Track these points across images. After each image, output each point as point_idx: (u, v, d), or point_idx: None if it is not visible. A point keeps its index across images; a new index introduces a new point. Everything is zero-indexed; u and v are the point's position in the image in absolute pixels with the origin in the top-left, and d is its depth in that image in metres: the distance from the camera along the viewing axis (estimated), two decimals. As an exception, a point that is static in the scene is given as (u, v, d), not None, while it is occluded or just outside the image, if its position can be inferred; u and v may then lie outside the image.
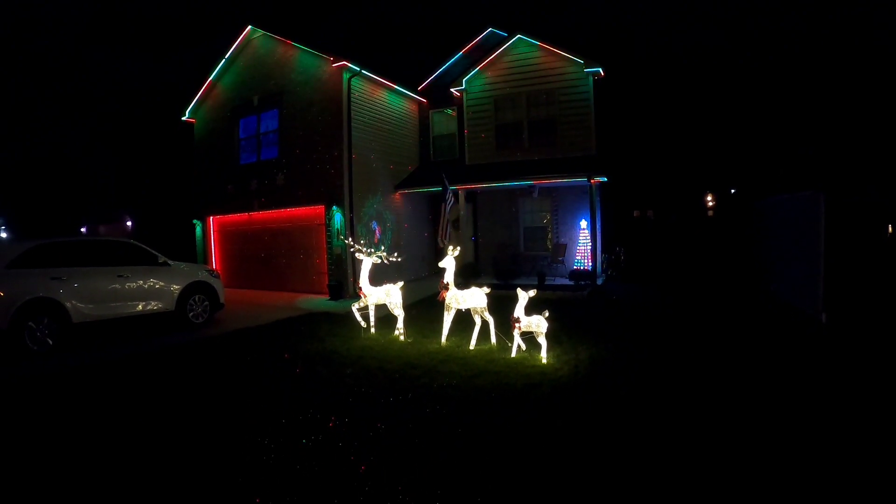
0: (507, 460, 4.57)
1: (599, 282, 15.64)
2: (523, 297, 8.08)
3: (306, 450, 4.78)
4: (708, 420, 5.37)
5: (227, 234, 18.50)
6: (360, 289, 9.92)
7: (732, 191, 30.66)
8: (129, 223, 33.36)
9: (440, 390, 6.45)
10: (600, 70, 16.31)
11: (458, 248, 9.52)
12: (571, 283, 14.96)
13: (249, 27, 16.84)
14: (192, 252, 18.69)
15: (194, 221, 18.79)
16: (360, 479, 4.25)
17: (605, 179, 14.96)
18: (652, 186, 30.13)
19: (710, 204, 31.62)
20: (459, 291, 9.01)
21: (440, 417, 5.55)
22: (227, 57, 17.54)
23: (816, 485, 4.12)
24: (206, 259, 18.37)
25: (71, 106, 35.21)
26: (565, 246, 17.08)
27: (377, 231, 16.27)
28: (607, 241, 18.50)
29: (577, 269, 15.62)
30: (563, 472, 4.35)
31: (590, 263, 15.77)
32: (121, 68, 43.55)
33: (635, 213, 30.72)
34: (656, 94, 31.22)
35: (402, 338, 9.51)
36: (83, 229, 33.10)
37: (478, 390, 6.43)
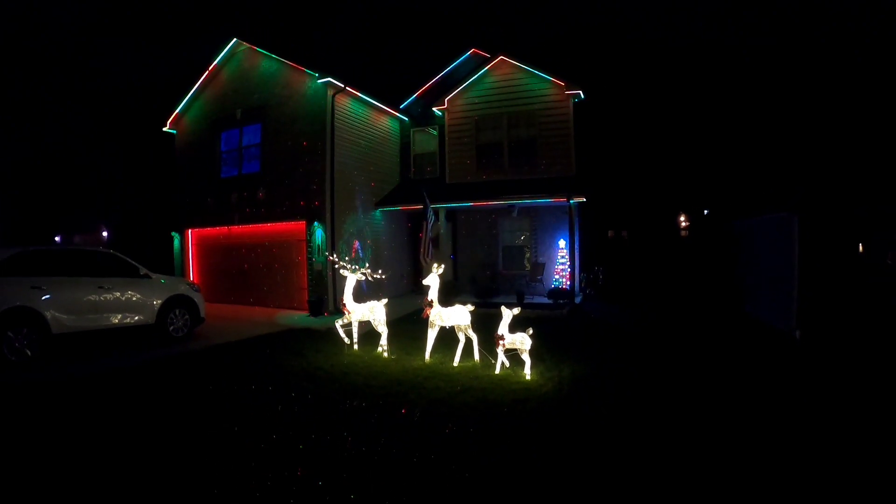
0: (502, 475, 4.66)
1: (578, 301, 15.85)
2: (507, 314, 8.21)
3: (296, 467, 4.81)
4: (685, 435, 5.52)
5: (206, 248, 18.36)
6: (344, 305, 9.97)
7: (706, 212, 31.24)
8: (105, 233, 32.84)
9: (428, 406, 6.53)
10: (581, 93, 16.67)
11: (443, 265, 9.63)
12: (550, 301, 15.14)
13: (234, 40, 16.87)
14: (170, 264, 18.49)
15: (173, 233, 18.61)
16: (353, 496, 4.30)
17: (584, 200, 15.23)
18: (627, 207, 30.62)
19: (684, 224, 32.16)
20: (443, 309, 9.12)
21: (431, 433, 5.62)
22: (210, 69, 17.50)
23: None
24: (183, 272, 18.18)
25: (45, 112, 34.64)
26: (544, 265, 17.28)
27: (358, 248, 16.31)
28: (585, 260, 18.77)
29: (555, 288, 15.81)
30: (556, 486, 4.46)
31: (568, 282, 16.00)
32: (99, 74, 43.00)
33: (610, 234, 31.15)
34: (633, 116, 31.82)
35: (385, 354, 9.56)
36: (57, 238, 32.49)
37: (465, 406, 6.53)
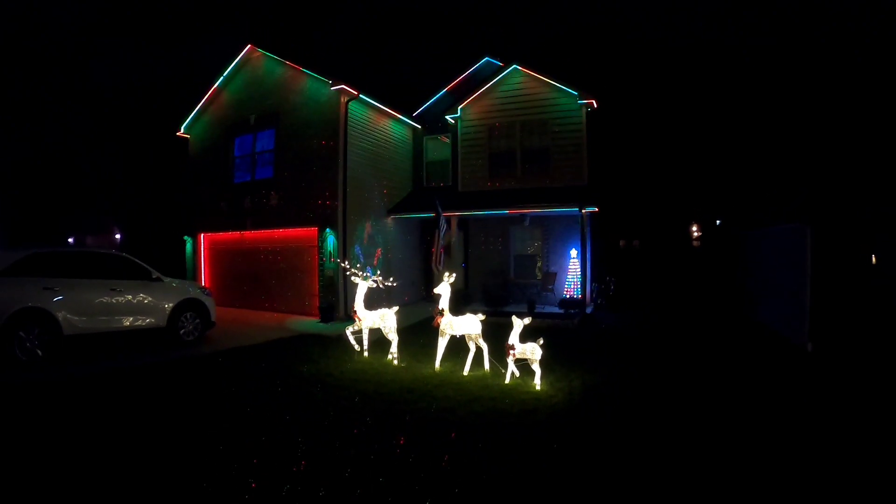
0: (512, 485, 4.61)
1: (589, 310, 15.76)
2: (518, 324, 8.17)
3: (302, 473, 4.79)
4: (697, 448, 5.44)
5: (217, 252, 18.44)
6: (355, 312, 9.96)
7: (717, 222, 31.09)
8: (117, 235, 33.03)
9: (438, 415, 6.49)
10: (594, 102, 16.64)
11: (454, 274, 9.59)
12: (561, 311, 15.05)
13: (249, 45, 16.97)
14: (182, 268, 18.59)
15: (185, 237, 18.71)
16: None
17: (596, 210, 15.17)
18: (639, 216, 30.54)
19: (696, 234, 32.02)
20: (454, 317, 9.08)
21: (440, 442, 5.58)
22: (224, 74, 17.63)
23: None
24: (195, 276, 18.25)
25: (63, 111, 34.95)
26: (555, 274, 17.21)
27: (374, 255, 16.32)
28: (597, 270, 18.67)
29: (567, 298, 15.74)
30: (565, 497, 4.41)
31: (580, 292, 15.91)
32: (115, 77, 43.42)
33: (621, 243, 31.05)
34: (645, 126, 31.80)
35: (395, 362, 9.53)
36: (70, 239, 32.70)
37: (475, 416, 6.48)
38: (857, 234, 10.37)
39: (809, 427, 6.15)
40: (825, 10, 29.47)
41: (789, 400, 7.22)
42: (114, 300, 9.97)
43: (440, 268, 12.68)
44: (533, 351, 8.00)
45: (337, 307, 14.81)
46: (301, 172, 15.83)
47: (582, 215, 15.09)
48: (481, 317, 9.06)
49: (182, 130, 18.94)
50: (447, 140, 19.31)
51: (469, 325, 9.00)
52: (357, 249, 15.71)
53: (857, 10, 27.62)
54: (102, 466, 4.88)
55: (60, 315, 9.13)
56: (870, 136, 23.14)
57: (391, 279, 10.78)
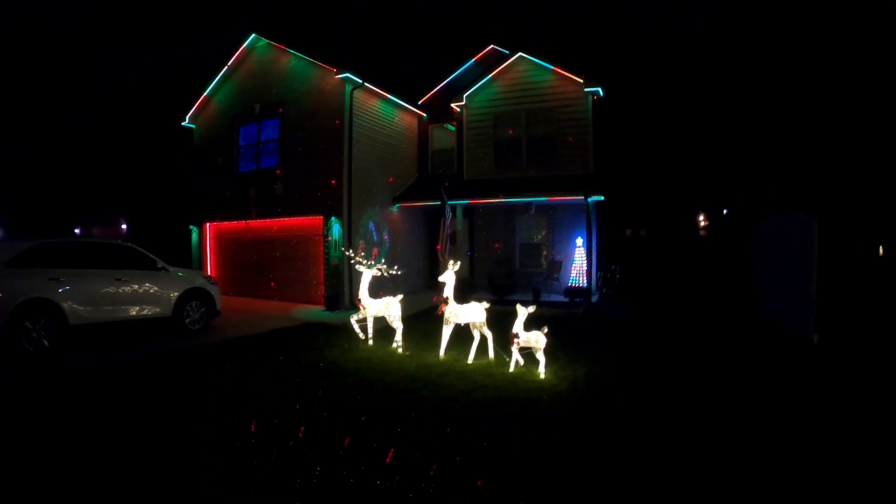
0: (514, 476, 4.60)
1: (594, 299, 15.72)
2: (523, 312, 8.13)
3: (304, 461, 4.79)
4: (699, 438, 5.42)
5: (223, 241, 18.47)
6: (360, 301, 9.95)
7: (725, 211, 30.88)
8: (123, 226, 33.11)
9: (442, 403, 6.48)
10: (599, 90, 16.52)
11: (459, 262, 9.55)
12: (567, 300, 15.02)
13: (252, 35, 16.91)
14: (188, 257, 18.63)
15: (190, 227, 18.73)
16: (362, 493, 4.27)
17: (603, 198, 15.10)
18: (645, 206, 30.36)
19: (703, 224, 31.81)
20: (459, 306, 9.03)
21: (443, 431, 5.56)
22: (229, 64, 17.60)
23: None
24: (201, 265, 18.30)
25: (68, 105, 34.99)
26: (561, 263, 17.17)
27: (374, 244, 16.30)
28: (602, 259, 18.61)
29: (572, 287, 15.70)
30: (567, 487, 4.40)
31: (585, 281, 15.87)
32: (120, 68, 43.43)
33: (628, 232, 30.90)
34: (652, 114, 31.56)
35: (400, 350, 9.53)
36: (77, 230, 32.79)
37: (478, 404, 6.47)
38: (863, 227, 10.27)
39: (814, 418, 6.12)
40: (832, 6, 29.20)
41: (795, 392, 7.19)
42: (119, 290, 9.99)
43: (446, 256, 12.65)
44: (537, 340, 7.97)
45: (342, 296, 14.83)
46: (306, 161, 15.80)
47: (588, 204, 15.02)
48: (486, 305, 9.03)
49: (187, 121, 18.91)
50: (453, 128, 19.22)
51: (474, 314, 8.97)
52: (362, 238, 15.67)
53: (857, 10, 27.41)
54: (110, 456, 4.90)
55: (66, 305, 9.16)
56: (877, 130, 22.99)
57: (396, 268, 10.75)
